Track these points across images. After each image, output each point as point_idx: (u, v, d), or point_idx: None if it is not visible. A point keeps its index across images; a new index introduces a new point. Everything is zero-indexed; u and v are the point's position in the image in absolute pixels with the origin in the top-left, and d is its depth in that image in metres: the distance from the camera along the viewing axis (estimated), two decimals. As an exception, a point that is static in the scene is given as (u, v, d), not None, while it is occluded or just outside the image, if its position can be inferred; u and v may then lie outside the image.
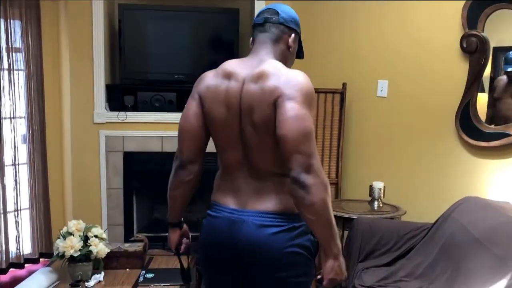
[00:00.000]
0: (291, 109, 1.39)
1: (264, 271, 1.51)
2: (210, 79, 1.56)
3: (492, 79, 2.78)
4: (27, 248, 3.46)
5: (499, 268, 1.94)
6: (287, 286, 1.53)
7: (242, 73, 1.51)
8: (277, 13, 1.58)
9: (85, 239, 2.57)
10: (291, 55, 1.63)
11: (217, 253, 1.57)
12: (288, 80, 1.44)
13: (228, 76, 1.52)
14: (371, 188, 3.08)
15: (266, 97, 1.44)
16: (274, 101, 1.42)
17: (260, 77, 1.46)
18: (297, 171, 1.36)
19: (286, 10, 1.61)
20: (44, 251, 3.48)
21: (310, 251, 1.53)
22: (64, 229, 2.61)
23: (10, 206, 3.35)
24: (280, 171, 1.50)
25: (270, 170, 1.52)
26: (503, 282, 1.88)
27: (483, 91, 2.81)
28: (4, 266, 3.29)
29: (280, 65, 1.51)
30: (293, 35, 1.60)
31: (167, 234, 4.11)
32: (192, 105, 1.58)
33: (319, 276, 1.55)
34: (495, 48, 2.73)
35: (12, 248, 3.37)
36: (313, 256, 1.56)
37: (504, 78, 2.71)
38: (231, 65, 1.55)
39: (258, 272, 1.52)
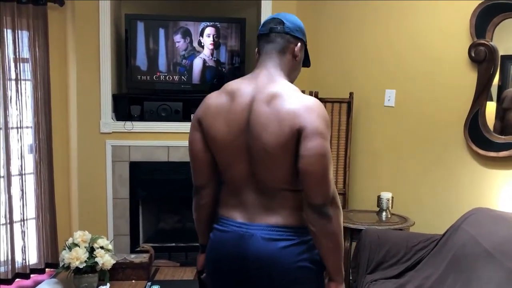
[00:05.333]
0: (317, 146, 1.39)
1: (273, 286, 1.49)
2: (212, 99, 1.54)
3: (500, 87, 2.75)
4: (33, 258, 3.46)
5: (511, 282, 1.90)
6: None
7: (248, 91, 1.49)
8: (282, 22, 1.56)
9: (91, 250, 2.56)
10: (298, 64, 1.61)
11: (225, 267, 1.55)
12: (307, 107, 1.43)
13: (232, 94, 1.50)
14: (379, 198, 3.05)
15: (283, 122, 1.41)
16: (297, 131, 1.40)
17: (272, 98, 1.44)
18: (321, 203, 1.40)
19: (291, 19, 1.59)
20: (50, 261, 3.48)
21: (319, 265, 1.51)
22: (70, 240, 2.60)
23: (17, 216, 3.36)
24: (288, 187, 1.49)
25: (277, 186, 1.50)
26: (516, 296, 1.84)
27: (491, 99, 2.78)
28: (10, 276, 3.29)
29: (292, 87, 1.50)
30: (299, 44, 1.58)
31: (173, 244, 4.09)
32: (193, 133, 1.57)
33: None
34: (503, 57, 2.70)
35: (18, 258, 3.37)
36: (322, 270, 1.53)
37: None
38: (234, 84, 1.53)
39: (267, 287, 1.49)
